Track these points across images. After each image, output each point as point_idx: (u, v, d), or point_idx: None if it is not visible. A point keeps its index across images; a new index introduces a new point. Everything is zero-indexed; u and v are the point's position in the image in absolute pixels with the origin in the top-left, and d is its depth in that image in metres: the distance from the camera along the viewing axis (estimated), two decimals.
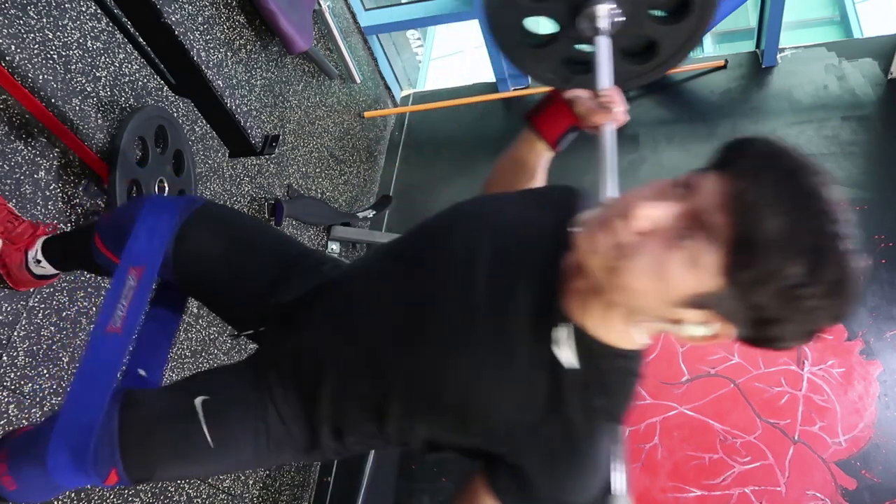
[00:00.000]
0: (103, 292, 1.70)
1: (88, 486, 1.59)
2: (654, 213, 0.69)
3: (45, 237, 1.46)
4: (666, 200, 0.70)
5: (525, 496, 0.82)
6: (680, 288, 0.68)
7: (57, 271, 1.50)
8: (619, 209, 0.71)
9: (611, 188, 1.09)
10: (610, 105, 1.11)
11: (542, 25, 1.48)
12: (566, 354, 0.79)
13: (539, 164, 1.16)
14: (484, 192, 1.19)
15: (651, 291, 0.70)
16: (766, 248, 0.62)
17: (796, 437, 2.17)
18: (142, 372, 1.10)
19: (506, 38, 1.47)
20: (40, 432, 1.00)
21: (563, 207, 0.92)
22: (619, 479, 0.86)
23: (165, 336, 1.20)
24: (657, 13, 1.40)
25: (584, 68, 1.42)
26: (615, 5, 1.32)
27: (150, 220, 1.08)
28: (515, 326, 0.81)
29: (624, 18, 1.34)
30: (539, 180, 1.16)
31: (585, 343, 0.80)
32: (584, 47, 1.44)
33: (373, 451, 2.43)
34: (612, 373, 0.81)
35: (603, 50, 1.28)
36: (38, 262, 1.45)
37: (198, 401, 0.97)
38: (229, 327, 1.19)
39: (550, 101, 1.16)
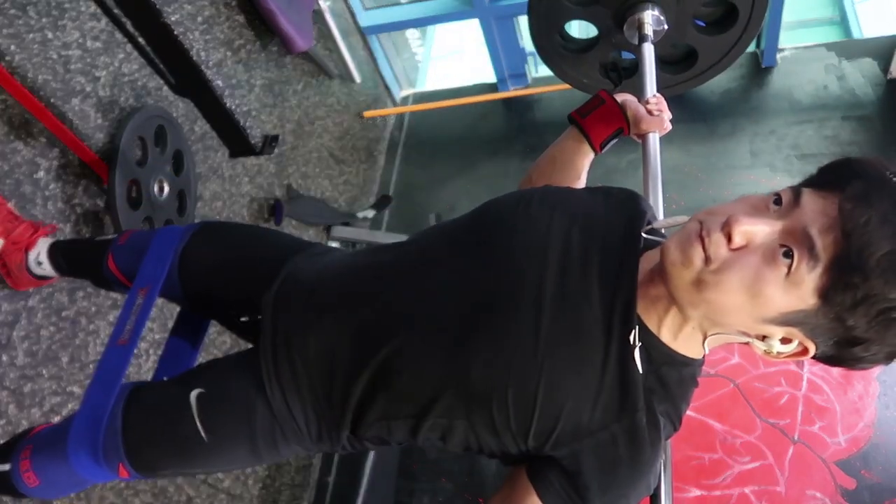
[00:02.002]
0: (103, 292, 1.71)
1: (84, 489, 1.59)
2: (751, 230, 0.69)
3: (51, 241, 1.47)
4: (763, 217, 0.70)
5: (573, 496, 0.79)
6: (773, 305, 0.68)
7: (58, 274, 1.51)
8: (714, 223, 0.70)
9: (655, 196, 1.10)
10: (659, 112, 1.11)
11: (582, 30, 1.46)
12: (638, 359, 0.78)
13: (584, 166, 1.14)
14: (524, 187, 1.13)
15: (742, 307, 0.70)
16: (872, 270, 0.62)
17: (796, 437, 2.17)
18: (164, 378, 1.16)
19: (546, 41, 1.46)
20: (62, 429, 1.03)
21: (631, 210, 0.91)
22: (665, 486, 0.86)
23: (191, 356, 1.26)
24: (700, 23, 1.38)
25: (617, 75, 1.41)
26: (659, 13, 1.31)
27: (158, 248, 1.15)
28: (589, 326, 0.79)
29: (667, 27, 1.33)
30: (583, 181, 1.15)
31: (653, 348, 0.79)
32: (622, 54, 1.43)
33: (372, 451, 2.44)
34: (674, 380, 0.81)
35: (648, 57, 1.27)
36: (40, 263, 1.45)
37: (193, 394, 0.97)
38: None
39: (600, 102, 1.12)
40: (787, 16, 2.97)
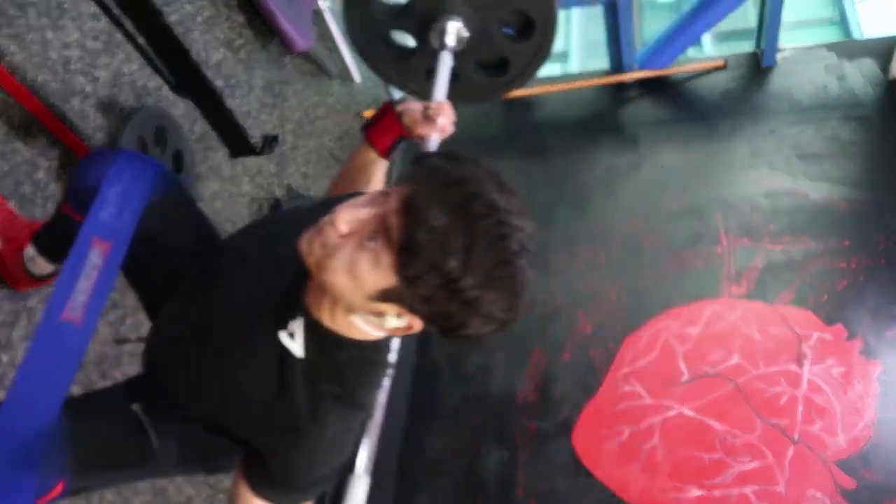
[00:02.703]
0: None
1: None
2: (351, 218, 0.77)
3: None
4: (367, 207, 0.78)
5: (266, 477, 0.92)
6: (368, 284, 0.76)
7: (55, 268, 1.50)
8: (331, 215, 0.79)
9: None
10: (435, 117, 1.20)
11: (406, 39, 1.54)
12: (295, 345, 0.88)
13: (374, 173, 1.24)
14: (329, 195, 1.26)
15: (348, 287, 0.78)
16: (424, 246, 0.70)
17: (796, 437, 2.17)
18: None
19: (370, 51, 1.54)
20: None
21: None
22: (361, 459, 0.95)
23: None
24: (507, 31, 1.47)
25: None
26: (462, 23, 1.38)
27: (122, 184, 1.03)
28: (260, 318, 0.90)
29: (469, 34, 1.40)
30: (376, 187, 1.24)
31: (321, 335, 0.88)
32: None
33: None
34: (344, 362, 0.89)
35: (443, 65, 1.36)
36: (33, 259, 1.44)
37: (136, 406, 1.02)
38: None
39: (383, 113, 1.24)
40: (787, 16, 2.97)
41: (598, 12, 3.12)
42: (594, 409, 2.35)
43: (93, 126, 1.72)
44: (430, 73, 1.54)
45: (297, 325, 0.88)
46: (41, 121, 1.54)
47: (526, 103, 3.36)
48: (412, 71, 1.54)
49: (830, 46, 3.13)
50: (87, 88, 1.72)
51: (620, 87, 3.21)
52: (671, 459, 2.20)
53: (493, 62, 1.51)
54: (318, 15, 2.84)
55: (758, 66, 3.14)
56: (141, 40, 1.45)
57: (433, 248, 0.70)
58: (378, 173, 1.25)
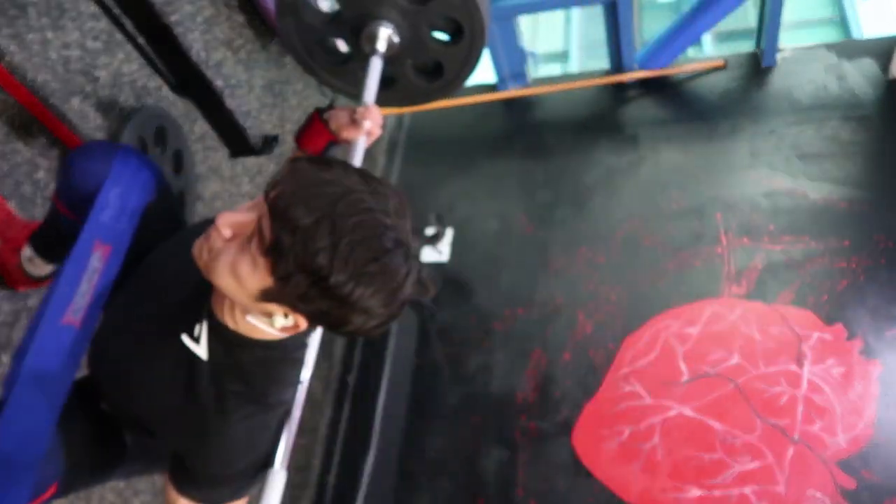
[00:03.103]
0: None
1: None
2: (232, 221, 0.79)
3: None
4: (249, 211, 0.79)
5: (187, 477, 0.95)
6: (251, 285, 0.78)
7: (52, 268, 1.50)
8: (216, 220, 0.80)
9: None
10: (362, 121, 1.21)
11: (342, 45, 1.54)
12: (199, 347, 0.91)
13: None
14: None
15: (234, 289, 0.79)
16: (291, 247, 0.72)
17: (796, 437, 2.17)
18: None
19: (308, 56, 1.55)
20: None
21: None
22: (278, 455, 0.98)
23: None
24: (440, 36, 1.49)
25: (383, 84, 1.47)
26: (393, 29, 1.38)
27: (123, 183, 1.02)
28: (167, 324, 0.93)
29: (399, 40, 1.42)
30: None
31: (225, 337, 0.90)
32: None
33: (372, 452, 2.44)
34: (251, 362, 0.91)
35: (373, 70, 1.38)
36: (30, 259, 1.44)
37: (104, 405, 1.08)
38: None
39: (311, 120, 1.26)
40: (787, 16, 2.97)
41: (598, 12, 3.12)
42: (594, 409, 2.35)
43: (93, 126, 1.72)
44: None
45: (202, 329, 0.91)
46: (41, 121, 1.54)
47: (526, 103, 3.36)
48: (350, 75, 1.55)
49: (830, 46, 3.13)
50: (87, 88, 1.72)
51: (620, 87, 3.21)
52: (671, 459, 2.20)
53: (428, 67, 1.54)
54: None
55: (758, 66, 3.14)
56: (141, 40, 1.45)
57: (299, 248, 0.72)
58: None
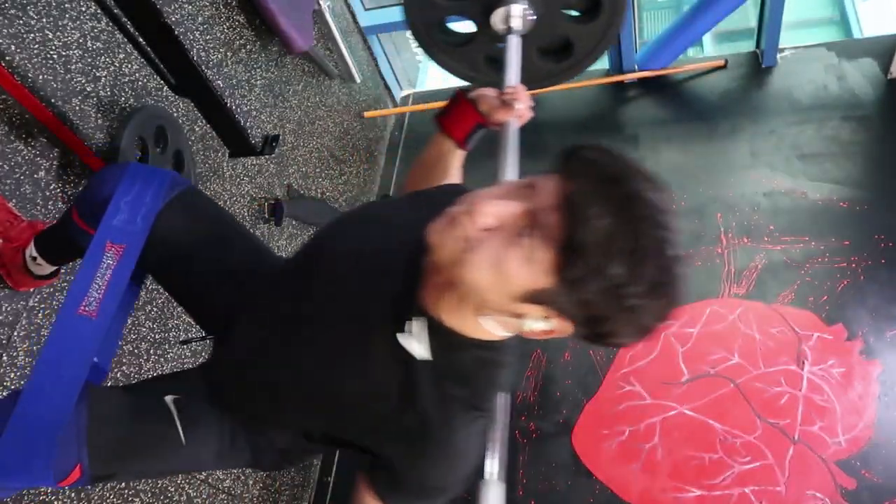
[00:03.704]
0: None
1: (89, 487, 1.59)
2: (497, 211, 0.72)
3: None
4: (511, 199, 0.73)
5: (394, 485, 0.88)
6: (517, 283, 0.71)
7: (55, 269, 1.50)
8: (468, 206, 0.74)
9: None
10: (513, 102, 1.15)
11: (462, 24, 1.49)
12: (418, 347, 0.82)
13: (451, 163, 1.19)
14: (405, 190, 1.23)
15: (491, 285, 0.72)
16: (590, 248, 0.65)
17: (796, 437, 2.17)
18: (94, 358, 1.03)
19: (427, 37, 1.50)
20: None
21: (443, 205, 0.94)
22: (491, 465, 0.89)
23: (120, 318, 1.16)
24: (572, 13, 1.43)
25: (496, 68, 1.43)
26: (527, 5, 1.34)
27: (133, 192, 1.04)
28: (375, 322, 0.85)
29: (536, 17, 1.36)
30: (454, 178, 1.20)
31: (442, 335, 0.83)
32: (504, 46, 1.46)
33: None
34: (469, 363, 0.84)
35: (512, 49, 1.32)
36: (34, 259, 1.44)
37: (168, 398, 0.99)
38: (176, 333, 1.22)
39: (456, 101, 1.18)
40: (787, 16, 2.97)
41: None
42: (594, 409, 2.35)
43: (93, 126, 1.72)
44: (490, 60, 1.50)
45: (417, 327, 0.83)
46: (41, 120, 1.54)
47: None
48: (470, 58, 1.49)
49: (830, 46, 3.13)
50: (88, 88, 1.72)
51: (620, 87, 3.21)
52: (671, 459, 2.20)
53: (554, 46, 1.47)
54: (318, 15, 2.84)
55: (758, 66, 3.14)
56: (141, 40, 1.45)
57: (598, 250, 0.65)
58: (456, 163, 1.20)
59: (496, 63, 1.47)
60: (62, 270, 1.57)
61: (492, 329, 0.81)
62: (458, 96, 1.18)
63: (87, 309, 0.94)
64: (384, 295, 0.86)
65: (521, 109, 1.17)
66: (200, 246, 1.10)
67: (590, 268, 0.65)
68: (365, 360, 0.85)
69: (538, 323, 0.75)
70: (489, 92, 1.17)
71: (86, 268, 0.96)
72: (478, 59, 1.50)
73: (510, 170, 1.13)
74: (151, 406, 0.98)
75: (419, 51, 4.27)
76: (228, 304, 1.07)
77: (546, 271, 0.68)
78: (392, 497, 0.89)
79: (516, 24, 1.33)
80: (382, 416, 0.84)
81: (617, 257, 0.65)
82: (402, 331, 0.83)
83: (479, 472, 0.89)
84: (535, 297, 0.71)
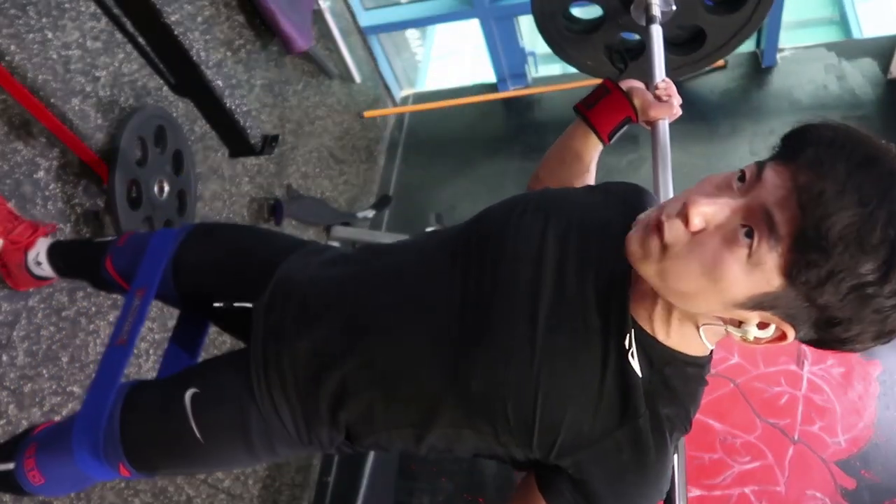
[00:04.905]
0: (103, 293, 1.71)
1: (88, 487, 1.59)
2: (709, 211, 0.65)
3: (50, 241, 1.46)
4: (722, 196, 0.66)
5: (579, 498, 0.78)
6: (739, 288, 0.64)
7: (56, 275, 1.51)
8: (672, 209, 0.67)
9: (665, 186, 1.04)
10: (668, 97, 1.06)
11: (587, 12, 1.41)
12: (635, 362, 0.75)
13: (593, 158, 1.09)
14: (533, 185, 1.12)
15: (706, 292, 0.66)
16: (834, 245, 0.57)
17: (796, 437, 2.17)
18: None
19: (550, 23, 1.43)
20: (66, 428, 1.03)
21: (632, 205, 0.88)
22: (679, 489, 0.84)
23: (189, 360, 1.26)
24: (709, 2, 1.35)
25: (620, 57, 1.37)
26: None
27: (155, 249, 1.15)
28: (585, 334, 0.77)
29: (675, 7, 1.29)
30: (592, 174, 1.11)
31: (651, 349, 0.76)
32: (627, 36, 1.40)
33: (372, 451, 2.43)
34: (678, 380, 0.77)
35: (656, 39, 1.23)
36: (39, 263, 1.45)
37: (188, 395, 0.96)
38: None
39: (605, 92, 1.05)
40: (787, 16, 2.97)
41: (597, 12, 3.12)
42: None
43: (93, 126, 1.72)
44: (611, 50, 1.40)
45: (631, 340, 0.76)
46: (41, 121, 1.54)
47: (526, 103, 3.35)
48: (591, 47, 1.40)
49: (830, 46, 3.13)
50: (87, 88, 1.72)
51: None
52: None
53: (681, 37, 1.39)
54: (318, 15, 2.84)
55: (758, 66, 3.14)
56: (141, 40, 1.45)
57: (845, 246, 0.57)
58: (595, 159, 1.10)
59: (617, 54, 1.39)
60: None
61: (703, 341, 0.75)
62: (608, 86, 1.05)
63: (121, 339, 1.09)
64: (592, 303, 0.78)
65: (676, 106, 1.06)
66: (221, 257, 1.13)
67: (834, 268, 0.58)
68: (581, 375, 0.76)
69: (758, 330, 0.68)
70: (641, 85, 1.07)
71: (123, 312, 1.11)
72: (598, 48, 1.42)
73: (667, 171, 1.06)
74: (172, 406, 0.97)
75: (419, 51, 4.26)
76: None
77: (776, 273, 0.62)
78: None
79: (657, 12, 1.24)
80: (593, 436, 0.76)
81: (870, 253, 0.57)
82: (616, 344, 0.76)
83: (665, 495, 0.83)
84: (759, 303, 0.65)
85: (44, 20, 1.61)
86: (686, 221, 0.65)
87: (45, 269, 1.45)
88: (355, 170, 3.11)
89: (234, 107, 1.52)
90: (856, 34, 3.71)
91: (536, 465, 0.81)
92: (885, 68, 2.93)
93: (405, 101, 3.62)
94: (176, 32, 1.37)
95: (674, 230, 0.66)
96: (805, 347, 2.29)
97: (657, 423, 0.76)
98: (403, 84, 3.67)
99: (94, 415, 1.00)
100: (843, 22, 3.90)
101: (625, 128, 1.07)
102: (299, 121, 2.69)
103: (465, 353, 0.80)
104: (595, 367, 0.76)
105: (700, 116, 3.07)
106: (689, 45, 1.41)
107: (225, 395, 0.96)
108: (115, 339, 1.10)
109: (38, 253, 1.44)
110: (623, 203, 0.90)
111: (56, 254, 1.45)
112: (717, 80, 3.15)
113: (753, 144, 2.88)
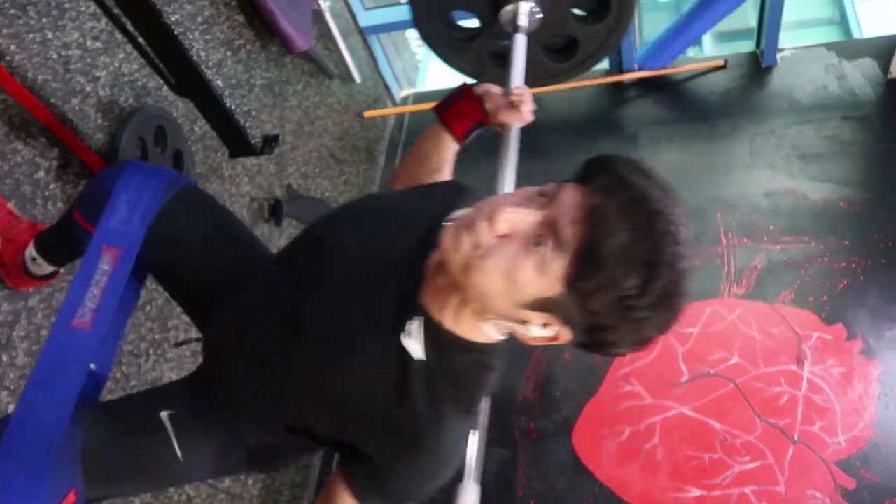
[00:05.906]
0: None
1: None
2: (514, 218, 0.72)
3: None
4: (528, 207, 0.73)
5: (375, 485, 0.86)
6: (527, 291, 0.71)
7: (55, 269, 1.50)
8: (484, 211, 0.73)
9: (508, 187, 1.11)
10: (519, 104, 1.12)
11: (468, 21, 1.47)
12: (415, 346, 0.82)
13: (446, 158, 1.18)
14: (392, 184, 1.20)
15: (500, 292, 0.73)
16: (608, 259, 0.66)
17: (796, 437, 2.17)
18: (91, 365, 0.98)
19: (431, 30, 1.49)
20: None
21: (445, 203, 0.93)
22: (470, 467, 0.91)
23: (121, 321, 1.10)
24: (579, 12, 1.42)
25: (502, 63, 1.43)
26: (535, 4, 1.34)
27: (130, 191, 1.01)
28: (375, 318, 0.84)
29: (543, 16, 1.36)
30: (446, 173, 1.18)
31: (438, 336, 0.83)
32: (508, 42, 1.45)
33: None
34: (463, 365, 0.84)
35: (519, 48, 1.30)
36: (34, 259, 1.44)
37: (164, 414, 0.95)
38: (176, 333, 1.19)
39: (461, 95, 1.15)
40: (787, 16, 2.97)
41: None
42: (594, 409, 2.35)
43: (93, 126, 1.72)
44: (495, 57, 1.48)
45: (416, 327, 0.83)
46: (41, 121, 1.54)
47: None
48: (474, 54, 1.48)
49: (830, 46, 3.13)
50: (87, 88, 1.72)
51: (620, 87, 3.21)
52: (671, 459, 2.20)
53: (559, 45, 1.46)
54: (318, 15, 2.84)
55: (758, 66, 3.14)
56: (141, 40, 1.45)
57: (616, 263, 0.66)
58: (451, 158, 1.18)
59: (500, 59, 1.46)
60: (62, 270, 1.57)
61: (489, 333, 0.83)
62: (463, 90, 1.15)
63: (81, 321, 0.90)
64: (387, 293, 0.86)
65: (526, 112, 1.15)
66: (200, 243, 1.09)
67: (606, 279, 0.67)
68: (366, 357, 0.84)
69: (539, 330, 0.76)
70: (495, 90, 1.15)
71: (81, 277, 0.93)
72: (482, 54, 1.48)
73: (509, 172, 1.13)
74: (146, 424, 0.95)
75: (419, 51, 4.27)
76: (226, 300, 1.05)
77: (559, 280, 0.69)
78: (369, 493, 0.87)
79: (524, 21, 1.33)
80: (374, 411, 0.84)
81: (635, 271, 0.66)
82: (403, 329, 0.83)
83: (458, 473, 0.90)
84: (542, 305, 0.72)
85: (44, 20, 1.61)
86: (494, 224, 0.72)
87: (42, 265, 1.45)
88: (355, 170, 3.11)
89: (233, 107, 1.52)
90: (856, 34, 3.72)
91: (336, 445, 0.90)
92: (885, 68, 2.93)
93: (405, 101, 3.62)
94: (176, 32, 1.37)
95: (482, 231, 0.72)
96: (805, 347, 2.30)
97: (436, 402, 0.82)
98: (403, 84, 3.67)
99: (40, 435, 0.84)
100: (843, 22, 3.91)
101: (478, 130, 1.16)
102: (299, 121, 2.69)
103: (288, 347, 0.89)
104: (377, 347, 0.84)
105: (700, 116, 3.07)
106: (565, 53, 1.48)
107: (199, 413, 0.99)
108: (71, 318, 0.89)
109: (32, 248, 1.44)
110: (438, 200, 0.97)
111: (42, 242, 1.41)
112: (717, 80, 3.15)
113: (753, 144, 2.88)
